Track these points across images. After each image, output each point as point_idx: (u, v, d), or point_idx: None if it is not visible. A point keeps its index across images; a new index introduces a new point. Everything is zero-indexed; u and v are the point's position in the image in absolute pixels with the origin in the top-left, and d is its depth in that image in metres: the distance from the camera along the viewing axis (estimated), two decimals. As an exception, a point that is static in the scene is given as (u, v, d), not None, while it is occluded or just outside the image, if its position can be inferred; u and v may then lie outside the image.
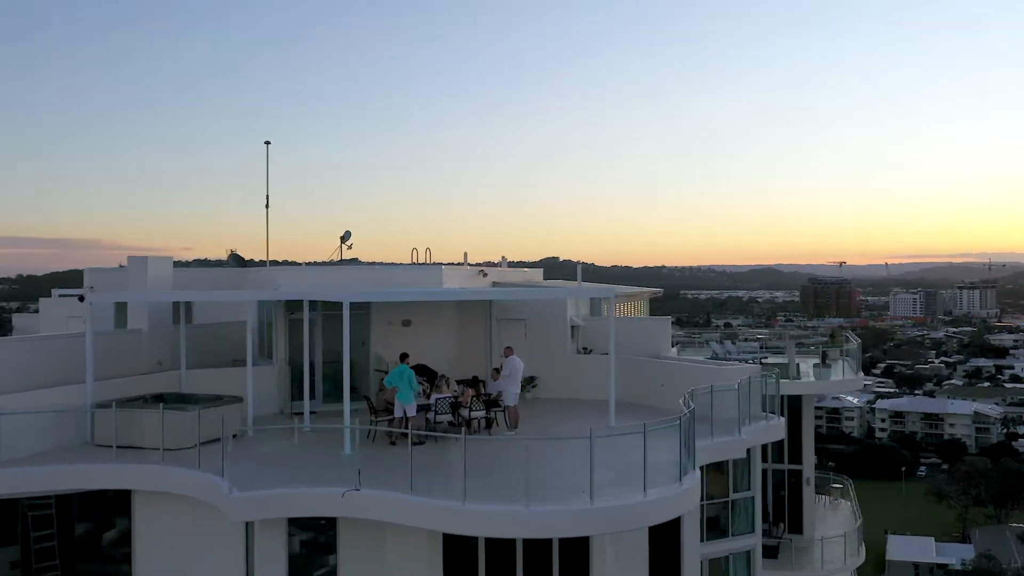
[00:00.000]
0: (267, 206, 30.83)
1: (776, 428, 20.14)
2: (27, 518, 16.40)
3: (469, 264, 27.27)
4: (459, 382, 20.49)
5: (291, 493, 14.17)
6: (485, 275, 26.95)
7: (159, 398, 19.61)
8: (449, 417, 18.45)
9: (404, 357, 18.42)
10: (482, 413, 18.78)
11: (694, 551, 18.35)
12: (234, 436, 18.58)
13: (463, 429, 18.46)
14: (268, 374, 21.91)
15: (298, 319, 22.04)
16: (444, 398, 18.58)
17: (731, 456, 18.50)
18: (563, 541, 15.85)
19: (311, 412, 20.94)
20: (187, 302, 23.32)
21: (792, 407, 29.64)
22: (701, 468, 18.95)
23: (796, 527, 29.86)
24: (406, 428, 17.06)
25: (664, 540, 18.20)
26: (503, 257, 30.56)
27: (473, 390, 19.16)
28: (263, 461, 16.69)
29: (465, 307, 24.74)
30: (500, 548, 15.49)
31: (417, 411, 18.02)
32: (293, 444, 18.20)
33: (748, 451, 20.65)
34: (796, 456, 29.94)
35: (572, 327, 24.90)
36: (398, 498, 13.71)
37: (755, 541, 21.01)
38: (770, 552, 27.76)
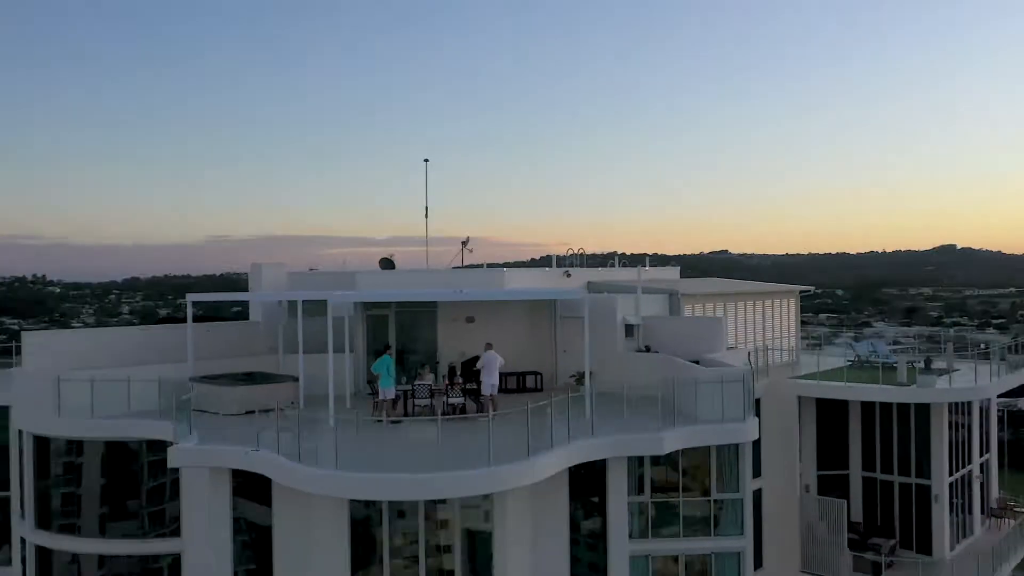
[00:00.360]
0: (426, 216, 35.62)
1: (738, 430, 20.01)
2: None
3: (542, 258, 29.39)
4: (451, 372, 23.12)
5: (225, 450, 18.28)
6: (569, 275, 28.90)
7: (248, 376, 24.94)
8: (426, 401, 21.31)
9: (386, 348, 21.74)
10: (460, 400, 21.36)
11: (622, 541, 19.36)
12: (283, 408, 23.35)
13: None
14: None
15: (373, 315, 26.43)
16: (423, 384, 21.49)
17: (644, 452, 19.11)
18: (464, 509, 18.26)
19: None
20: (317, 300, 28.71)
21: (920, 417, 27.57)
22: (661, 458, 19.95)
23: (925, 547, 27.62)
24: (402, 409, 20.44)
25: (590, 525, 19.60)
26: (569, 249, 31.89)
27: (449, 379, 21.81)
28: (267, 426, 20.95)
29: (530, 305, 26.99)
30: (403, 512, 18.28)
31: (398, 395, 21.21)
32: (316, 416, 22.18)
33: (738, 451, 20.79)
34: (925, 470, 27.65)
35: (628, 325, 26.04)
36: (285, 464, 17.14)
37: (744, 544, 20.88)
38: (873, 569, 26.29)
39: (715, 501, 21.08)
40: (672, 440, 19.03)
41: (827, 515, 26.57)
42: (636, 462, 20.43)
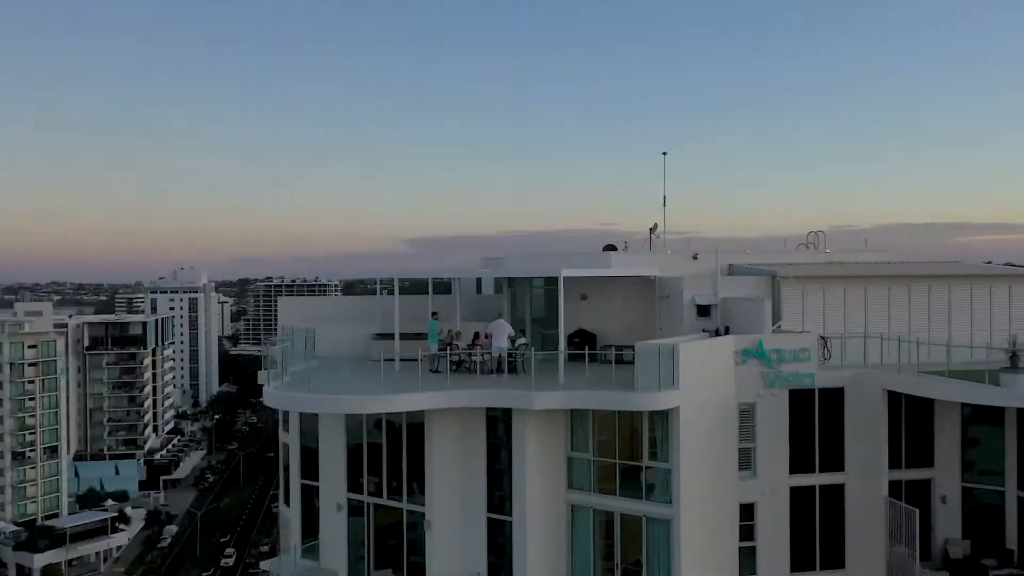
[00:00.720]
0: (664, 204, 38.55)
1: (629, 399, 21.03)
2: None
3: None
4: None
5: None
6: (696, 258, 29.83)
7: (415, 335, 32.46)
8: (456, 357, 26.28)
9: (434, 315, 27.31)
10: (479, 358, 25.88)
11: (521, 484, 22.15)
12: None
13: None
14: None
15: (514, 291, 31.85)
16: (456, 344, 26.55)
17: (514, 406, 21.57)
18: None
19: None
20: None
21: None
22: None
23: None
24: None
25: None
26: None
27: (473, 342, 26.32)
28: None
29: (635, 284, 29.11)
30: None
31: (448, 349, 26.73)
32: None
33: (666, 420, 21.72)
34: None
35: (699, 306, 26.85)
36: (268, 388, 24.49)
37: (671, 513, 21.49)
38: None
39: (648, 467, 22.22)
40: (543, 400, 21.39)
41: (899, 523, 23.69)
42: (584, 420, 22.92)
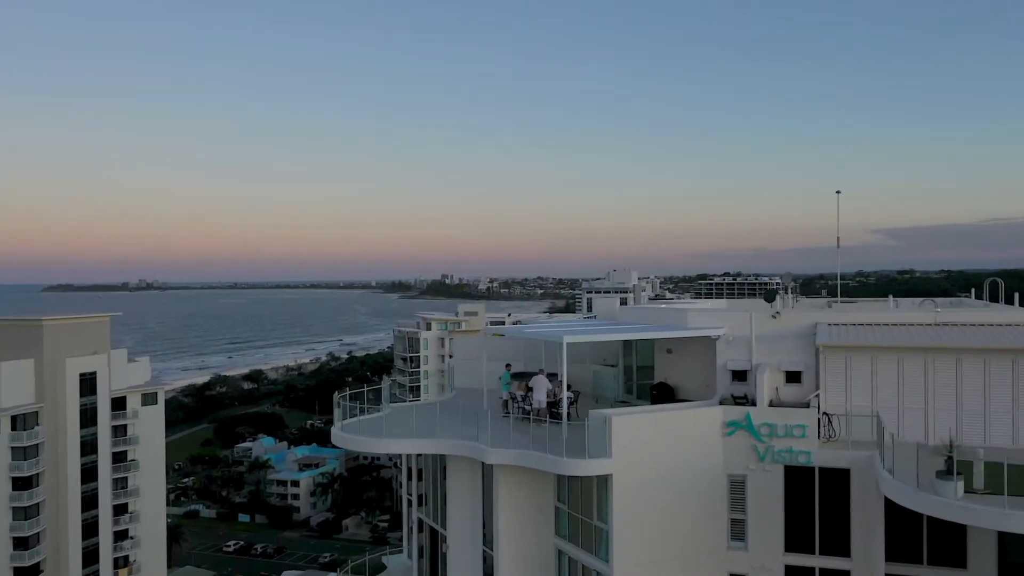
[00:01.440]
0: (838, 246, 36.80)
1: (559, 463, 22.99)
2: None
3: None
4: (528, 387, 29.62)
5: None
6: (776, 316, 29.04)
7: (530, 374, 36.09)
8: (514, 405, 29.81)
9: (508, 366, 30.96)
10: (529, 407, 29.14)
11: (498, 528, 25.25)
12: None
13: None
14: (614, 373, 34.35)
15: (626, 343, 34.11)
16: (520, 394, 30.00)
17: (475, 457, 24.48)
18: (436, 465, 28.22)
19: (623, 401, 33.40)
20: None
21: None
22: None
23: None
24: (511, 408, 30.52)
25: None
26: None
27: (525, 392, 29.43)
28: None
29: (712, 341, 29.46)
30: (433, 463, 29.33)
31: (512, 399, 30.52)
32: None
33: (607, 485, 23.47)
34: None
35: (733, 371, 26.90)
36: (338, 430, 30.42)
37: (609, 571, 23.00)
38: None
39: (596, 526, 24.02)
40: (494, 456, 24.33)
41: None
42: (561, 478, 25.46)
